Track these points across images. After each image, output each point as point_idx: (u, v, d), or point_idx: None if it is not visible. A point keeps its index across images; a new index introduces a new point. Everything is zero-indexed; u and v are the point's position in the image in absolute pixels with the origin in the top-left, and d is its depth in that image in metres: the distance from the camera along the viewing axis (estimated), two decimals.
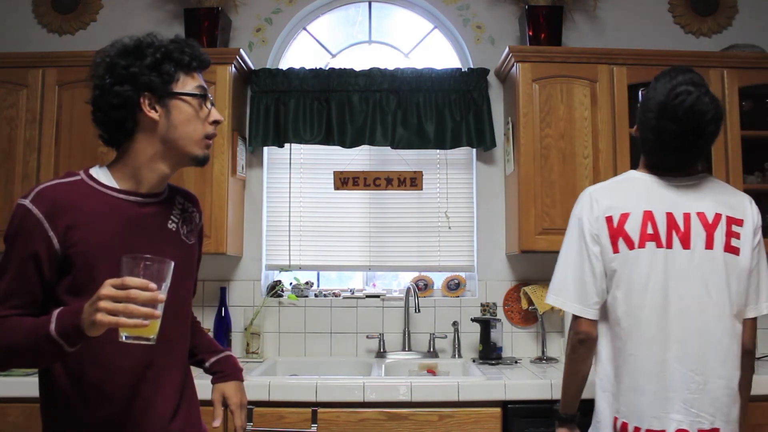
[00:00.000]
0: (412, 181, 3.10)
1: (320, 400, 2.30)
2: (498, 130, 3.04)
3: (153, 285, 1.14)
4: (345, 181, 3.10)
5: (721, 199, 1.69)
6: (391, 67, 3.03)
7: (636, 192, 1.70)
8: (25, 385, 2.33)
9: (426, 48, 3.27)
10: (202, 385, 1.60)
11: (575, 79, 2.77)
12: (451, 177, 3.15)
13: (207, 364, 1.61)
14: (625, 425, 1.62)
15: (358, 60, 3.22)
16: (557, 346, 2.95)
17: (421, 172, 3.11)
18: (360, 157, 3.14)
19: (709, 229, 1.63)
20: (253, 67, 3.02)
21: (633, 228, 1.64)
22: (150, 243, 1.36)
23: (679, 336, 1.60)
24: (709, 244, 1.62)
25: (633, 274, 1.63)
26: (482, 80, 3.02)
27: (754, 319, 1.70)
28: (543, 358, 2.87)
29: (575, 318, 1.72)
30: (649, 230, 1.63)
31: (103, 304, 1.10)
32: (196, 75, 1.41)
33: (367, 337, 2.98)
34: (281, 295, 3.03)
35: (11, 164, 2.73)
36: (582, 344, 1.70)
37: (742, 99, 2.80)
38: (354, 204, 3.16)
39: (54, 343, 1.18)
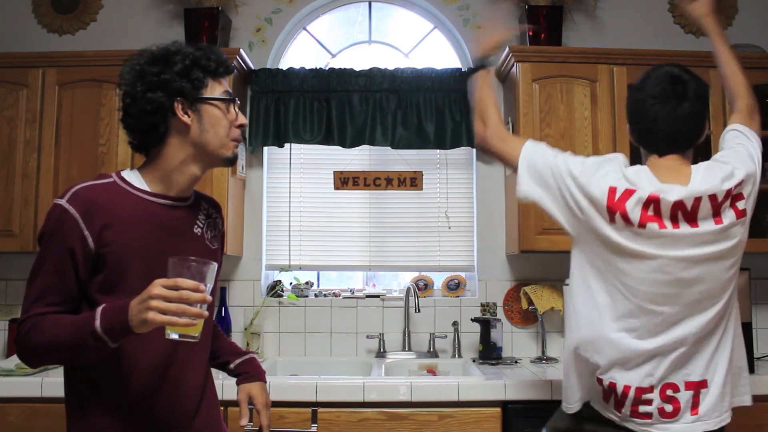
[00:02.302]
0: (412, 181, 3.10)
1: (320, 400, 2.30)
2: None
3: (203, 286, 1.19)
4: (345, 181, 3.10)
5: (718, 174, 1.69)
6: (391, 67, 3.03)
7: (642, 178, 1.70)
8: (25, 385, 2.33)
9: (426, 48, 3.27)
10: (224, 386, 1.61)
11: (575, 79, 2.77)
12: (451, 177, 3.15)
13: (232, 366, 1.64)
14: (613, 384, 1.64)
15: (358, 60, 3.22)
16: (557, 346, 2.95)
17: (421, 172, 3.11)
18: (360, 157, 3.14)
19: (717, 207, 1.65)
20: (253, 67, 3.02)
21: (635, 208, 1.63)
22: (177, 245, 1.42)
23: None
24: (719, 221, 1.66)
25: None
26: None
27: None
28: (543, 358, 2.87)
29: None
30: (650, 212, 1.62)
31: (155, 303, 1.15)
32: (222, 80, 1.47)
33: (367, 337, 2.98)
34: (281, 295, 3.03)
35: (11, 164, 2.73)
36: None
37: None
38: (354, 204, 3.16)
39: (99, 340, 1.21)
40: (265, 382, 1.65)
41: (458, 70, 3.05)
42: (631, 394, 1.61)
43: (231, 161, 1.48)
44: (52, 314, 1.30)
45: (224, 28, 2.98)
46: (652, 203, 1.59)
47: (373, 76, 3.01)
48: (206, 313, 1.21)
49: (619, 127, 2.75)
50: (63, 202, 1.35)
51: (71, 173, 2.71)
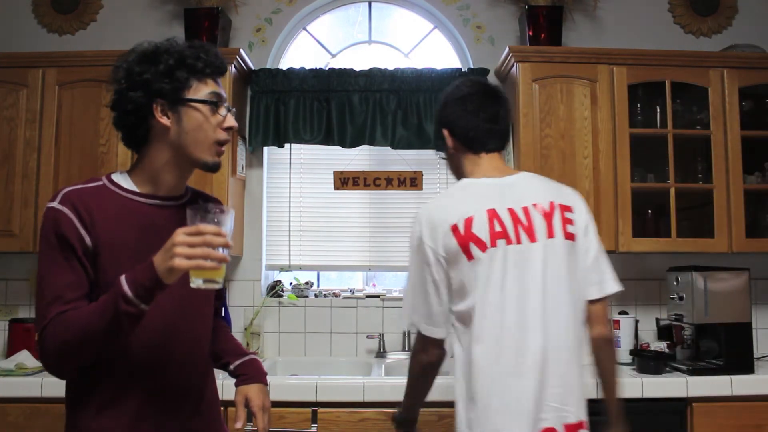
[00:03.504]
0: (412, 181, 3.10)
1: (320, 400, 2.30)
2: None
3: (224, 231, 1.21)
4: (345, 181, 3.10)
5: (550, 187, 1.68)
6: (391, 67, 3.03)
7: (473, 196, 1.65)
8: (25, 385, 2.33)
9: (426, 48, 3.27)
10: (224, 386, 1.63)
11: (575, 79, 2.77)
12: (451, 177, 3.13)
13: (231, 367, 1.62)
14: None
15: (358, 60, 3.22)
16: None
17: (421, 172, 3.11)
18: (360, 157, 3.14)
19: (548, 218, 1.60)
20: (253, 67, 3.02)
21: (481, 229, 1.57)
22: None
23: (540, 330, 1.55)
24: (551, 233, 1.59)
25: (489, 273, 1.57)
26: None
27: (604, 304, 1.65)
28: None
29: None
30: (497, 228, 1.57)
31: (180, 249, 1.16)
32: (210, 81, 1.41)
33: (367, 337, 2.98)
34: (281, 295, 3.03)
35: (11, 164, 2.73)
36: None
37: (742, 99, 2.80)
38: (354, 204, 3.16)
39: (130, 303, 1.19)
40: (266, 384, 1.62)
41: (458, 70, 3.05)
42: None
43: (211, 167, 1.42)
44: (71, 311, 1.27)
45: (224, 28, 2.98)
46: None
47: (373, 76, 3.01)
48: (229, 258, 1.22)
49: (619, 127, 2.75)
50: (55, 204, 1.33)
51: (71, 173, 2.71)
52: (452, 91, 1.77)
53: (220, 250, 1.20)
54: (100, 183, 1.41)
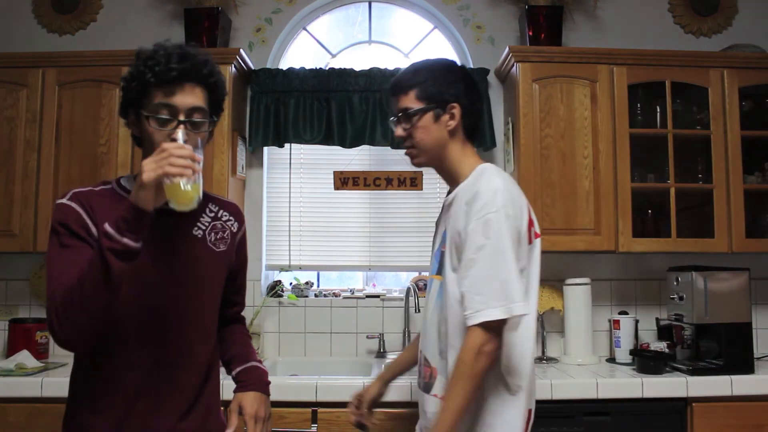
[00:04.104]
0: (412, 181, 3.10)
1: (320, 400, 2.31)
2: (498, 130, 3.04)
3: (188, 146, 1.25)
4: (345, 181, 3.10)
5: None
6: (391, 67, 3.03)
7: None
8: (25, 385, 2.33)
9: (426, 48, 3.27)
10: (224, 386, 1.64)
11: (575, 79, 2.77)
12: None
13: (233, 374, 1.62)
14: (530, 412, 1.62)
15: (358, 60, 3.22)
16: (557, 346, 2.95)
17: (421, 172, 3.11)
18: (360, 157, 3.14)
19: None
20: (253, 67, 3.02)
21: (535, 216, 1.64)
22: (171, 247, 1.44)
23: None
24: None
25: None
26: (482, 80, 3.02)
27: None
28: (543, 358, 2.87)
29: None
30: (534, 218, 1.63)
31: (146, 167, 1.20)
32: (159, 92, 1.36)
33: (367, 337, 2.98)
34: (281, 295, 3.03)
35: (11, 164, 2.72)
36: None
37: (742, 99, 2.80)
38: (354, 204, 3.16)
39: (111, 239, 1.20)
40: (265, 393, 1.59)
41: None
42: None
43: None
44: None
45: (224, 28, 2.98)
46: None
47: (373, 76, 3.01)
48: (198, 167, 1.24)
49: (619, 127, 2.75)
50: (64, 200, 1.39)
51: (71, 173, 2.71)
52: (462, 70, 1.71)
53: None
54: (108, 186, 1.46)
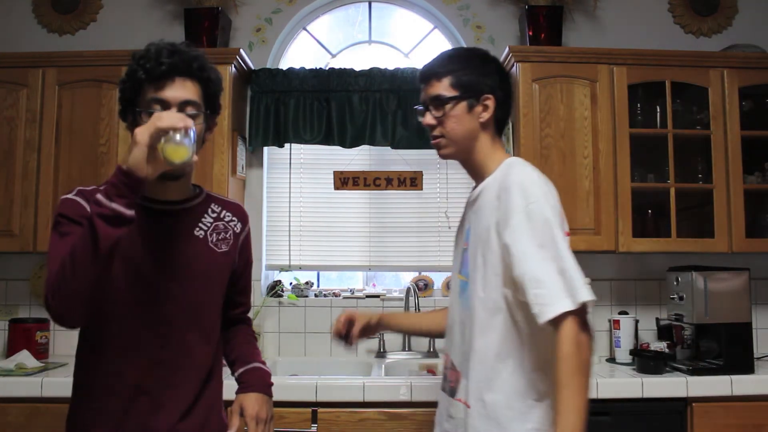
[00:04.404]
0: (412, 181, 3.10)
1: (320, 400, 2.31)
2: None
3: (179, 114, 1.27)
4: (345, 181, 3.10)
5: None
6: (391, 67, 3.03)
7: None
8: (25, 385, 2.33)
9: (426, 48, 3.27)
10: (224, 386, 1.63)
11: (575, 79, 2.77)
12: (451, 177, 3.15)
13: (236, 374, 1.62)
14: None
15: (358, 60, 3.22)
16: None
17: (421, 172, 3.11)
18: (360, 157, 3.14)
19: None
20: (253, 67, 3.02)
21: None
22: (172, 247, 1.44)
23: None
24: None
25: None
26: None
27: None
28: None
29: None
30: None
31: (138, 130, 1.22)
32: (150, 87, 1.38)
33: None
34: (281, 295, 3.03)
35: (11, 164, 2.72)
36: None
37: (742, 99, 2.79)
38: (354, 204, 3.16)
39: (100, 204, 1.20)
40: (267, 394, 1.59)
41: None
42: None
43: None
44: None
45: (224, 28, 2.98)
46: None
47: (373, 76, 3.01)
48: (190, 122, 1.24)
49: (619, 127, 2.75)
50: (69, 195, 1.42)
51: (71, 173, 2.71)
52: (496, 62, 1.65)
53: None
54: None
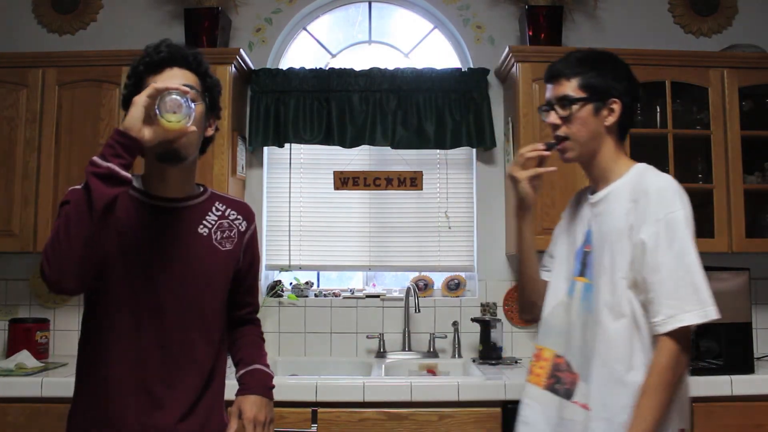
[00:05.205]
0: (412, 181, 3.10)
1: (320, 400, 2.31)
2: (498, 130, 3.04)
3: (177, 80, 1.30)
4: (345, 181, 3.10)
5: None
6: (391, 67, 3.03)
7: None
8: (25, 385, 2.33)
9: (426, 48, 3.27)
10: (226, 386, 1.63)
11: None
12: (451, 177, 3.15)
13: (237, 376, 1.62)
14: None
15: (358, 60, 3.22)
16: None
17: (421, 172, 3.11)
18: (360, 157, 3.14)
19: None
20: (253, 67, 3.02)
21: None
22: (174, 244, 1.44)
23: None
24: None
25: None
26: (482, 80, 3.02)
27: None
28: None
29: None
30: None
31: (136, 98, 1.24)
32: (149, 79, 1.40)
33: (367, 337, 2.98)
34: (281, 295, 3.03)
35: (11, 164, 2.72)
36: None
37: (742, 99, 2.80)
38: (354, 204, 3.16)
39: (94, 164, 1.21)
40: (267, 396, 1.57)
41: (458, 70, 3.05)
42: None
43: (161, 156, 1.39)
44: None
45: (224, 28, 2.98)
46: None
47: (373, 76, 3.01)
48: (186, 88, 1.27)
49: None
50: (77, 187, 1.39)
51: (71, 173, 2.71)
52: (626, 67, 1.63)
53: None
54: None
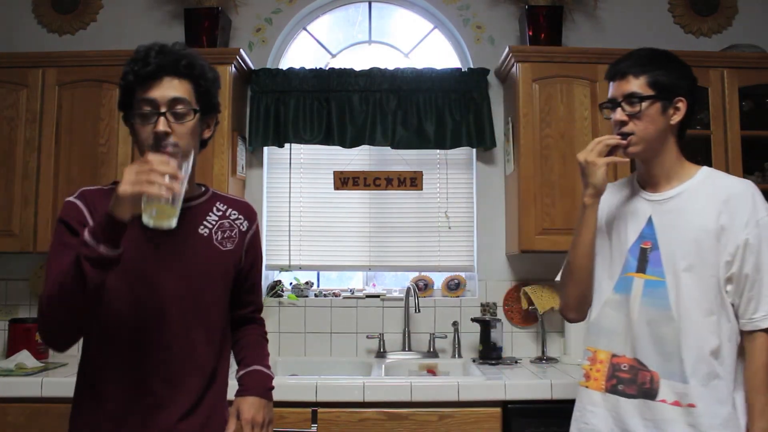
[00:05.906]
0: (412, 181, 3.10)
1: (320, 400, 2.31)
2: (498, 130, 3.04)
3: (174, 162, 1.21)
4: (345, 181, 3.10)
5: None
6: (391, 67, 3.03)
7: None
8: (25, 385, 2.33)
9: (426, 48, 3.27)
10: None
11: (575, 79, 2.77)
12: (451, 177, 3.15)
13: (237, 376, 1.61)
14: None
15: (358, 60, 3.22)
16: (557, 346, 2.95)
17: (421, 172, 3.11)
18: (360, 157, 3.14)
19: None
20: (253, 67, 3.02)
21: None
22: (175, 245, 1.44)
23: None
24: None
25: None
26: (482, 80, 3.02)
27: None
28: (543, 358, 2.87)
29: None
30: None
31: (126, 177, 1.19)
32: (139, 89, 1.38)
33: (367, 337, 2.98)
34: (281, 295, 3.03)
35: (11, 164, 2.73)
36: None
37: (742, 99, 2.80)
38: (354, 204, 3.16)
39: (86, 246, 1.20)
40: (265, 398, 1.57)
41: (458, 70, 3.05)
42: None
43: None
44: None
45: (224, 28, 2.98)
46: None
47: (373, 76, 3.01)
48: (177, 187, 1.21)
49: None
50: (72, 198, 1.43)
51: (71, 173, 2.71)
52: (689, 67, 1.66)
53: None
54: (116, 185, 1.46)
